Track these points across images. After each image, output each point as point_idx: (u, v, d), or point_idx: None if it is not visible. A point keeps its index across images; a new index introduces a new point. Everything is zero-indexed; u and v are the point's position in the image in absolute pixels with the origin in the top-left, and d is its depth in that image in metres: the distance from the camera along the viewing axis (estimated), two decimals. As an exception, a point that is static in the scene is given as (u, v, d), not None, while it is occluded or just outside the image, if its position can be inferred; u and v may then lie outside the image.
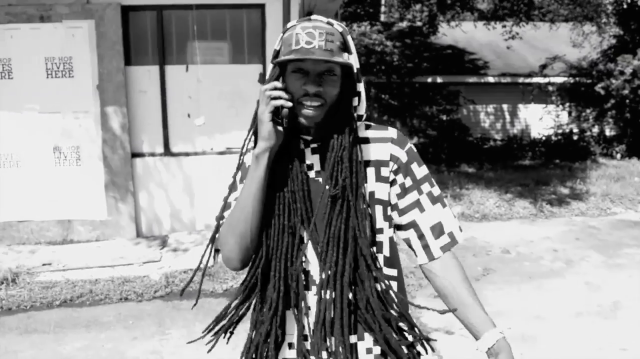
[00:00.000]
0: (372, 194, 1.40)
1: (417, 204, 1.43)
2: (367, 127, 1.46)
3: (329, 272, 1.31)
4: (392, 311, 1.36)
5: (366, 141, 1.42)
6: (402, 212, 1.44)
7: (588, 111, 13.61)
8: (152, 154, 5.98)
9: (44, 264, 5.36)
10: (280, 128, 1.32)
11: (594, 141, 13.18)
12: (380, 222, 1.41)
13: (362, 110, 1.41)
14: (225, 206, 1.42)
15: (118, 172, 5.89)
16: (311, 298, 1.37)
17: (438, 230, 1.43)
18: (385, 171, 1.42)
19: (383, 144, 1.44)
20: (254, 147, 1.36)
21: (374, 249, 1.39)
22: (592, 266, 5.49)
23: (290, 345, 1.40)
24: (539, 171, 10.64)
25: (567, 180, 9.47)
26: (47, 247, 5.84)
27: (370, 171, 1.40)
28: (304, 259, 1.35)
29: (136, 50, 5.81)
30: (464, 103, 14.17)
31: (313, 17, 1.35)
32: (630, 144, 12.89)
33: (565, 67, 14.25)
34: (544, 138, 13.84)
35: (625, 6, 9.46)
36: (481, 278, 5.14)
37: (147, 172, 5.99)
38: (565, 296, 4.71)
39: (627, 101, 12.47)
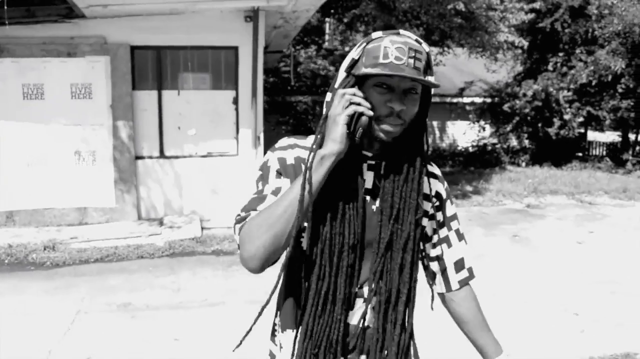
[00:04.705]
0: None
1: (446, 239, 1.49)
2: None
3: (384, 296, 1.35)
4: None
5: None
6: (432, 246, 1.50)
7: (502, 126, 16.06)
8: (151, 157, 7.82)
9: (71, 238, 7.14)
10: (354, 136, 1.24)
11: (503, 151, 15.55)
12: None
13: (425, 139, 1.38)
14: (260, 199, 1.31)
15: (124, 170, 7.72)
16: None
17: (460, 265, 1.51)
18: (427, 206, 1.43)
19: (432, 179, 1.46)
20: (319, 148, 1.24)
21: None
22: (474, 236, 7.67)
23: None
24: (454, 175, 12.92)
25: (473, 181, 11.79)
26: (69, 227, 7.60)
27: None
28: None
29: (140, 79, 7.65)
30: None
31: (402, 32, 1.26)
32: (533, 154, 15.34)
33: (484, 89, 16.66)
34: (463, 150, 16.21)
35: (520, 45, 11.88)
36: (394, 242, 7.23)
37: (147, 170, 7.83)
38: (449, 251, 6.85)
39: (529, 118, 14.97)
